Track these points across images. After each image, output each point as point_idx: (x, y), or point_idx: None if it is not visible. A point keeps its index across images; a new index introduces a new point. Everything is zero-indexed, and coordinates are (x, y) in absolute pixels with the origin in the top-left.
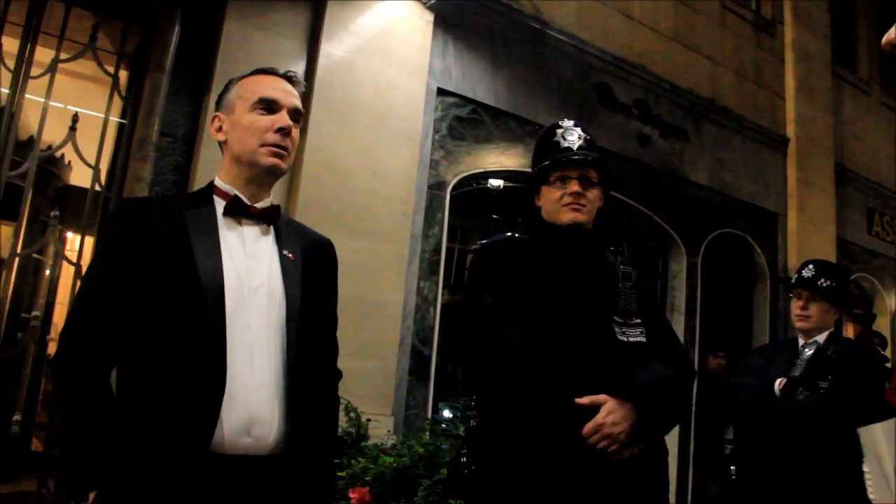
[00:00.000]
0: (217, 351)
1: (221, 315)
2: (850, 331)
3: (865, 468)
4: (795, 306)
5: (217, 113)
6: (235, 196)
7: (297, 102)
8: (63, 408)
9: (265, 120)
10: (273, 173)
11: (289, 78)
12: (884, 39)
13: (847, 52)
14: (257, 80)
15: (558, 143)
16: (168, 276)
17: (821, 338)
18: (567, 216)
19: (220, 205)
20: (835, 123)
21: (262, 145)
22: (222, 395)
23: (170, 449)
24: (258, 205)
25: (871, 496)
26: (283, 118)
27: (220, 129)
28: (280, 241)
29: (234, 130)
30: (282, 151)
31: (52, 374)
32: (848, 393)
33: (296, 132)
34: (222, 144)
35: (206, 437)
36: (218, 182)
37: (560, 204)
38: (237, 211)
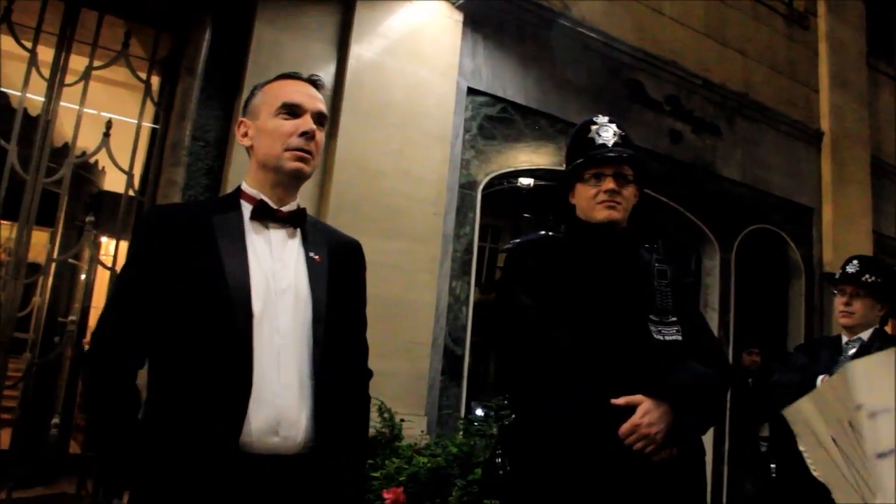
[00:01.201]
0: (244, 352)
1: (248, 317)
2: (891, 327)
3: (802, 447)
4: (839, 303)
5: (243, 118)
6: (262, 200)
7: (321, 106)
8: (92, 403)
9: (289, 125)
10: (297, 177)
11: (313, 82)
12: None
13: (883, 42)
14: (281, 85)
15: (593, 139)
16: (196, 281)
17: (865, 335)
18: (602, 214)
19: (247, 209)
20: (870, 116)
21: (287, 150)
22: (249, 396)
23: (198, 448)
24: (284, 208)
25: (815, 474)
26: (306, 122)
27: (245, 135)
28: (307, 244)
29: (259, 136)
30: (306, 155)
31: (81, 372)
32: None
33: (320, 135)
34: (249, 149)
35: (234, 436)
36: (245, 187)
37: (595, 201)
38: (264, 215)
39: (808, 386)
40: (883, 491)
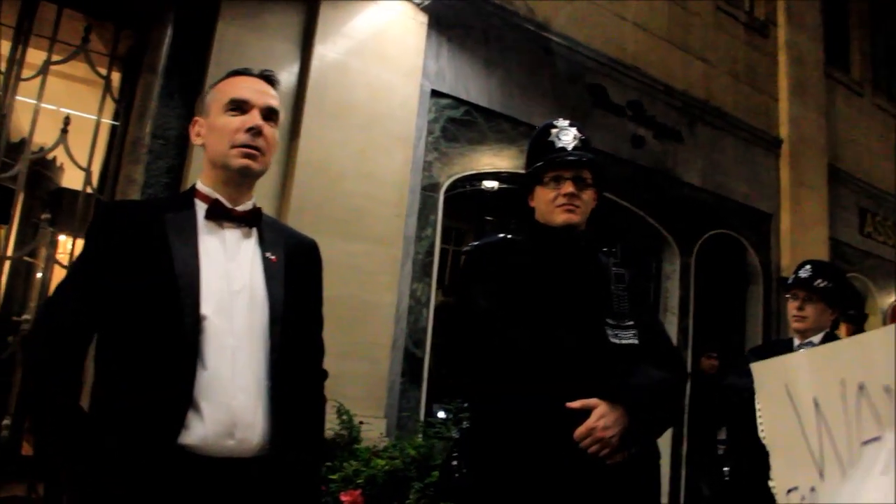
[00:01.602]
0: (189, 353)
1: (196, 318)
2: (842, 331)
3: (758, 405)
4: (792, 307)
5: (196, 117)
6: (216, 200)
7: (272, 101)
8: (51, 396)
9: (235, 121)
10: (245, 174)
11: (265, 77)
12: None
13: (840, 53)
14: (231, 82)
15: (553, 143)
16: (145, 279)
17: (816, 338)
18: (561, 217)
19: (201, 208)
20: (827, 124)
21: (233, 146)
22: (191, 395)
23: (140, 449)
24: (239, 207)
25: (760, 435)
26: (252, 118)
27: (199, 134)
28: (263, 244)
29: (209, 134)
30: (253, 152)
31: (30, 358)
32: None
33: (270, 131)
34: (203, 148)
35: (173, 437)
36: (199, 185)
37: (554, 205)
38: (218, 214)
39: None
40: None
